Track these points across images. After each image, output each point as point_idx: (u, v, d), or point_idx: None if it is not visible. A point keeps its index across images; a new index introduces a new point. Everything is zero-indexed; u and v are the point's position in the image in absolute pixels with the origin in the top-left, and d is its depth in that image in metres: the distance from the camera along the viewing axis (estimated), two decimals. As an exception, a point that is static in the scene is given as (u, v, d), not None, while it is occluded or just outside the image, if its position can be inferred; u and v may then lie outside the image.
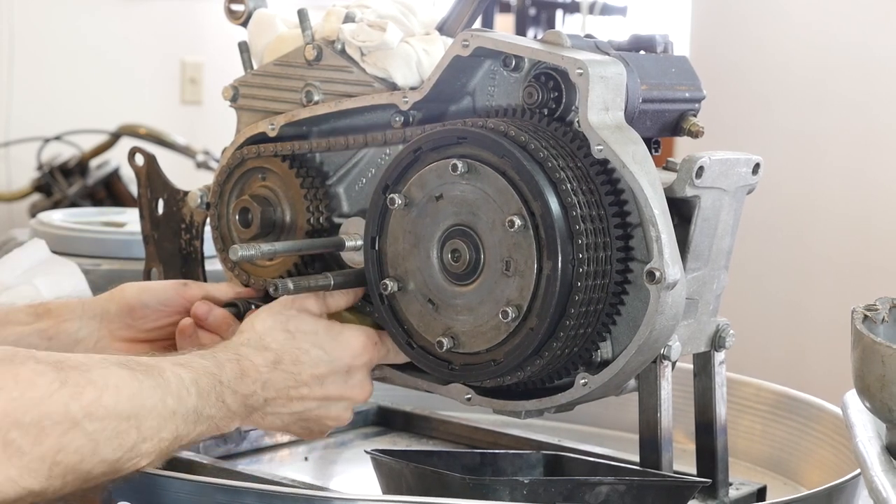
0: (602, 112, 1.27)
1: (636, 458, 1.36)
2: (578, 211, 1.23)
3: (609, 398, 1.39)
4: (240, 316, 1.43)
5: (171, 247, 1.61)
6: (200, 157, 4.18)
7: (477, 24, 1.46)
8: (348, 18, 1.44)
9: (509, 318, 1.25)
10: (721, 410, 1.41)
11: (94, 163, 4.26)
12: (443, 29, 1.46)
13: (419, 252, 1.32)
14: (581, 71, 1.26)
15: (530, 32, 4.61)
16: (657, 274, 1.23)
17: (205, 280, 1.58)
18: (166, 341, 1.44)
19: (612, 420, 1.75)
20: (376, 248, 1.35)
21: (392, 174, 1.33)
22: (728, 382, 1.42)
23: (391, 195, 1.32)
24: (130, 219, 2.53)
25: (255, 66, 1.53)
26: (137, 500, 1.23)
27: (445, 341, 1.30)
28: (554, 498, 1.24)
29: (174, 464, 1.33)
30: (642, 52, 1.37)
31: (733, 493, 1.40)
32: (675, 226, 1.26)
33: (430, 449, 1.59)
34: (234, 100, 1.53)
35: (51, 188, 4.21)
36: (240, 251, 1.36)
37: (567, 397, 1.31)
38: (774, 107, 3.58)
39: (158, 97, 4.97)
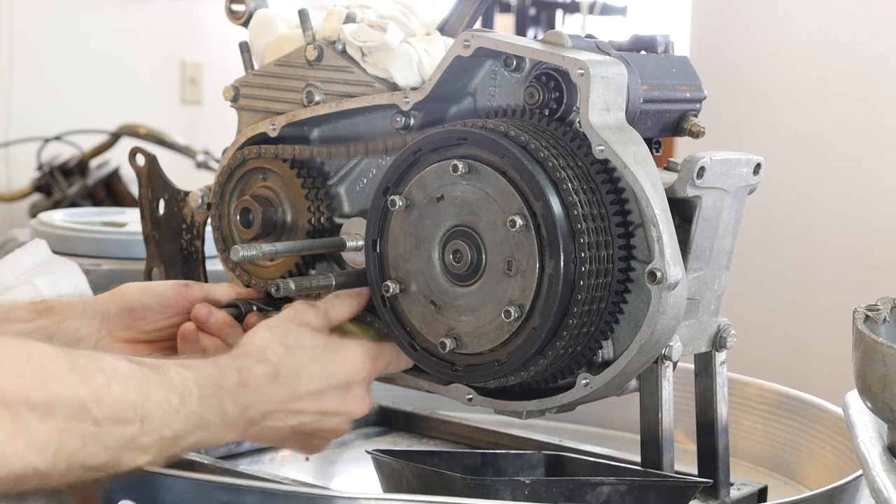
0: (603, 112, 1.27)
1: (637, 459, 1.36)
2: (580, 210, 1.23)
3: (610, 398, 1.39)
4: (241, 317, 1.43)
5: (172, 247, 1.61)
6: (200, 157, 4.19)
7: (477, 24, 1.46)
8: (349, 19, 1.44)
9: (512, 317, 1.25)
10: (722, 411, 1.41)
11: (94, 163, 4.26)
12: (444, 29, 1.46)
13: (421, 253, 1.32)
14: (582, 71, 1.26)
15: (530, 32, 4.61)
16: (658, 274, 1.23)
17: (206, 280, 1.58)
18: (166, 342, 1.44)
19: (614, 420, 1.75)
20: (377, 250, 1.35)
21: (392, 176, 1.33)
22: (729, 382, 1.42)
23: (392, 197, 1.32)
24: (131, 219, 2.53)
25: (256, 67, 1.53)
26: (139, 499, 1.23)
27: (448, 342, 1.30)
28: (555, 498, 1.24)
29: (175, 463, 1.33)
30: (643, 53, 1.37)
31: (734, 493, 1.40)
32: (676, 226, 1.26)
33: (432, 449, 1.59)
34: (234, 100, 1.53)
35: (51, 188, 4.21)
36: (241, 251, 1.36)
37: (568, 397, 1.31)
38: (775, 107, 3.58)
39: (158, 97, 4.98)
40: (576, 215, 1.23)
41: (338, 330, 1.36)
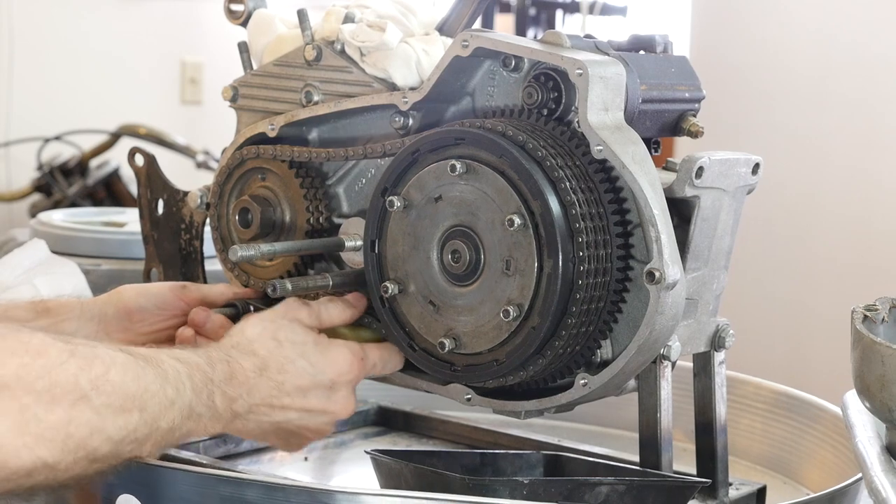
0: (602, 112, 1.27)
1: (636, 458, 1.36)
2: (578, 209, 1.23)
3: (609, 398, 1.39)
4: (238, 317, 1.43)
5: (171, 247, 1.61)
6: (200, 157, 4.18)
7: (477, 24, 1.46)
8: (348, 19, 1.44)
9: (511, 317, 1.25)
10: (721, 410, 1.41)
11: (94, 163, 4.26)
12: (442, 29, 1.46)
13: (419, 254, 1.32)
14: (580, 71, 1.26)
15: (530, 32, 4.61)
16: (657, 274, 1.23)
17: (205, 280, 1.58)
18: (164, 344, 1.44)
19: (612, 419, 1.75)
20: (376, 250, 1.35)
21: (390, 176, 1.33)
22: (727, 381, 1.42)
23: (390, 197, 1.32)
24: (130, 219, 2.53)
25: (255, 67, 1.53)
26: (140, 493, 1.23)
27: (447, 342, 1.30)
28: (554, 498, 1.24)
29: (174, 459, 1.33)
30: (642, 53, 1.37)
31: (733, 493, 1.40)
32: (674, 226, 1.26)
33: (430, 449, 1.59)
34: (233, 100, 1.53)
35: (51, 188, 4.21)
36: (239, 252, 1.36)
37: (567, 397, 1.31)
38: (775, 107, 3.58)
39: (158, 97, 4.97)
40: (574, 215, 1.23)
41: (328, 331, 1.36)
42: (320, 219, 1.47)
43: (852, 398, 1.20)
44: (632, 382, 1.35)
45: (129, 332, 1.44)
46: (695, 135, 1.37)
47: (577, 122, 1.28)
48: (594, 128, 1.25)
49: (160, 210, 1.61)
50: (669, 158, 1.36)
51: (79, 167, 4.22)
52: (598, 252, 1.24)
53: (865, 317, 1.17)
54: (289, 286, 1.35)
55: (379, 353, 1.36)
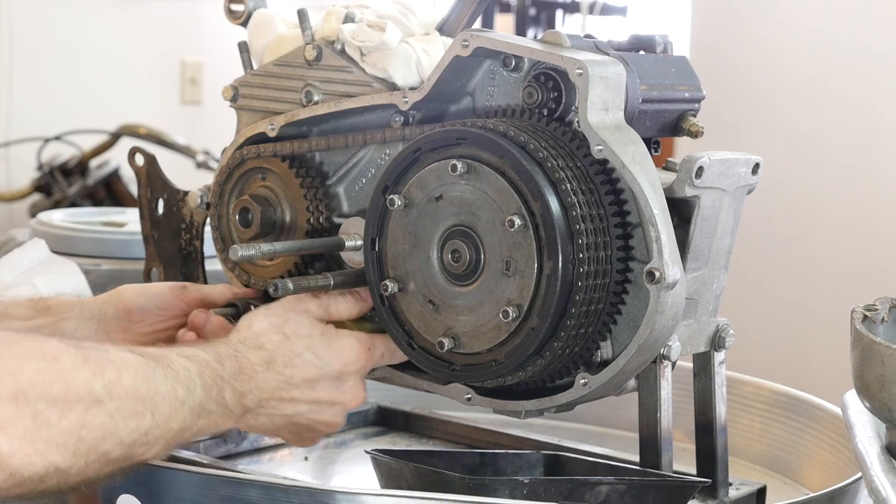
0: (602, 112, 1.27)
1: (636, 458, 1.36)
2: (578, 211, 1.23)
3: (609, 398, 1.39)
4: (238, 317, 1.43)
5: (172, 247, 1.61)
6: (200, 157, 4.18)
7: (477, 24, 1.46)
8: (348, 19, 1.44)
9: (510, 317, 1.25)
10: (721, 410, 1.41)
11: (94, 163, 4.26)
12: (442, 29, 1.46)
13: (419, 253, 1.32)
14: (581, 71, 1.26)
15: (530, 32, 4.61)
16: (657, 274, 1.23)
17: (205, 280, 1.58)
18: (165, 345, 1.44)
19: (612, 419, 1.75)
20: (376, 249, 1.35)
21: (391, 175, 1.33)
22: (727, 381, 1.42)
23: (391, 196, 1.32)
24: (130, 219, 2.53)
25: (255, 66, 1.53)
26: (141, 493, 1.23)
27: (446, 342, 1.30)
28: (554, 497, 1.24)
29: (174, 459, 1.33)
30: (642, 53, 1.37)
31: (733, 493, 1.40)
32: (674, 226, 1.26)
33: (430, 449, 1.59)
34: (233, 100, 1.53)
35: (51, 188, 4.21)
36: (240, 251, 1.36)
37: (567, 397, 1.31)
38: (775, 107, 3.58)
39: (158, 97, 4.97)
40: (574, 216, 1.23)
41: (333, 324, 1.36)
42: (320, 218, 1.47)
43: (852, 398, 1.20)
44: (632, 382, 1.35)
45: (129, 332, 1.44)
46: (695, 135, 1.37)
47: (578, 121, 1.28)
48: (594, 128, 1.25)
49: (160, 210, 1.61)
50: (669, 158, 1.36)
51: (79, 167, 4.22)
52: (598, 253, 1.24)
53: (865, 317, 1.17)
54: (290, 286, 1.35)
55: (386, 343, 1.36)
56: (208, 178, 1.69)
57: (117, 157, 4.15)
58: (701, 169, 1.29)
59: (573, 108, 1.29)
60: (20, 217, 4.30)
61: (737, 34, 3.70)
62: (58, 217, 2.55)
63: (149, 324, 1.45)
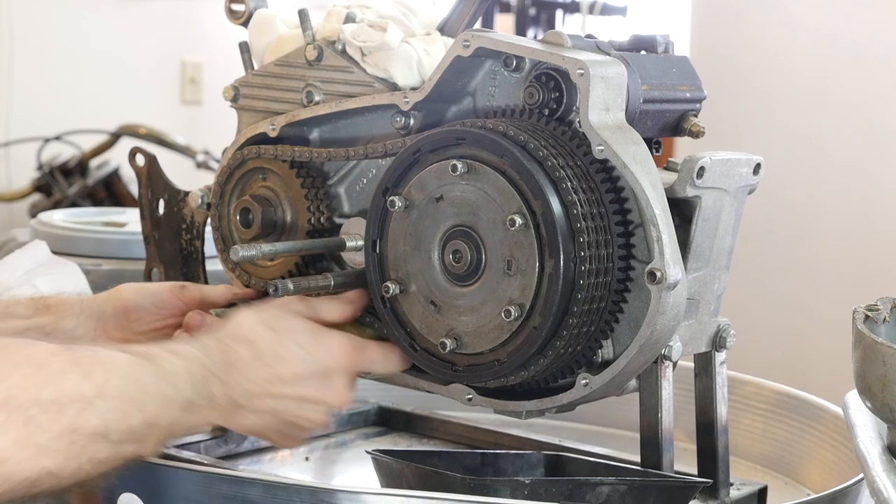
0: (603, 112, 1.27)
1: (637, 458, 1.36)
2: (579, 209, 1.23)
3: (610, 398, 1.39)
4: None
5: (172, 247, 1.61)
6: (200, 157, 4.18)
7: (477, 24, 1.46)
8: (349, 19, 1.44)
9: (512, 317, 1.25)
10: (722, 410, 1.41)
11: (94, 163, 4.26)
12: (444, 29, 1.46)
13: (420, 254, 1.32)
14: (582, 71, 1.26)
15: (530, 32, 4.61)
16: (658, 274, 1.23)
17: (205, 280, 1.58)
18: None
19: (613, 419, 1.75)
20: (377, 250, 1.35)
21: (392, 176, 1.33)
22: (729, 381, 1.42)
23: (391, 198, 1.32)
24: (130, 219, 2.53)
25: (256, 67, 1.53)
26: (142, 491, 1.23)
27: (448, 342, 1.30)
28: (555, 498, 1.24)
29: (176, 459, 1.33)
30: (643, 53, 1.37)
31: (734, 493, 1.40)
32: (676, 226, 1.26)
33: (431, 449, 1.59)
34: (234, 100, 1.53)
35: (51, 188, 4.21)
36: (240, 252, 1.36)
37: (568, 397, 1.31)
38: (775, 107, 3.58)
39: (158, 97, 4.97)
40: (575, 214, 1.23)
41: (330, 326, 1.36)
42: (321, 219, 1.47)
43: (853, 398, 1.20)
44: (633, 382, 1.35)
45: (127, 330, 1.44)
46: (696, 135, 1.37)
47: (579, 122, 1.27)
48: (595, 128, 1.25)
49: (161, 210, 1.61)
50: (670, 158, 1.36)
51: (79, 167, 4.21)
52: (599, 252, 1.24)
53: (867, 317, 1.17)
54: (290, 286, 1.35)
55: (379, 350, 1.35)
56: (209, 179, 1.69)
57: (117, 157, 4.15)
58: (702, 169, 1.29)
59: (574, 108, 1.29)
60: (20, 217, 4.30)
61: (737, 34, 3.70)
62: (58, 217, 2.55)
63: (146, 323, 1.45)
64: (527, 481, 1.25)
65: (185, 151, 4.21)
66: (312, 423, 1.31)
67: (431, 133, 1.31)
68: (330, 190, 1.49)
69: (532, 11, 4.71)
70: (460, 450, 1.52)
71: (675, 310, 1.26)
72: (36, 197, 4.30)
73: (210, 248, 1.57)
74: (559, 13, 4.75)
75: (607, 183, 1.26)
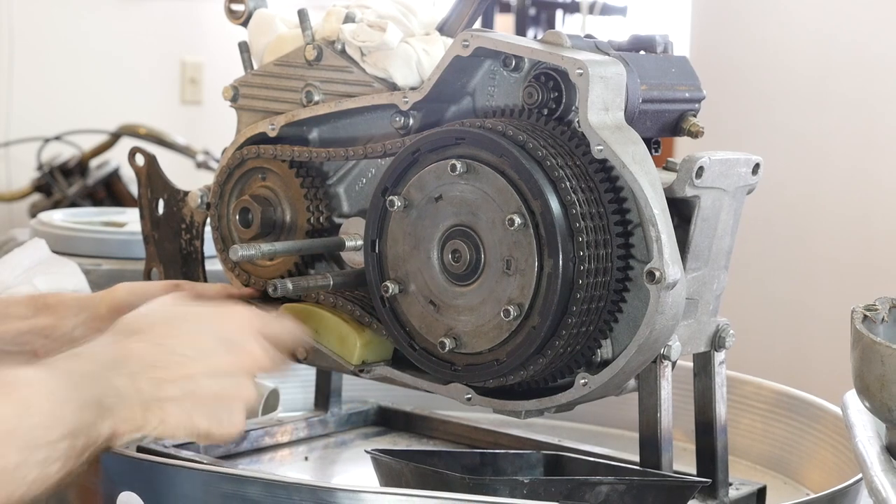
0: (602, 112, 1.27)
1: (636, 458, 1.36)
2: (578, 209, 1.23)
3: (609, 397, 1.39)
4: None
5: (172, 247, 1.61)
6: (200, 157, 4.18)
7: (477, 24, 1.46)
8: (348, 19, 1.44)
9: (511, 316, 1.26)
10: (721, 410, 1.41)
11: (94, 163, 4.26)
12: (443, 29, 1.46)
13: (419, 253, 1.32)
14: (581, 71, 1.26)
15: (530, 32, 4.61)
16: (657, 274, 1.23)
17: (205, 280, 1.58)
18: None
19: (612, 419, 1.75)
20: (376, 250, 1.35)
21: (391, 176, 1.33)
22: (728, 381, 1.42)
23: (390, 197, 1.32)
24: (130, 219, 2.53)
25: (256, 66, 1.53)
26: (142, 490, 1.23)
27: (448, 342, 1.30)
28: (554, 497, 1.24)
29: (176, 457, 1.33)
30: (642, 53, 1.37)
31: (733, 493, 1.40)
32: (674, 226, 1.26)
33: (431, 449, 1.59)
34: (234, 100, 1.53)
35: (51, 188, 4.21)
36: (240, 251, 1.36)
37: (567, 397, 1.31)
38: (775, 107, 3.58)
39: (158, 97, 4.97)
40: (574, 214, 1.23)
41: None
42: (321, 218, 1.47)
43: (852, 398, 1.20)
44: (632, 382, 1.35)
45: None
46: (695, 135, 1.37)
47: (578, 121, 1.28)
48: (594, 127, 1.25)
49: (161, 210, 1.61)
50: (669, 158, 1.37)
51: (79, 167, 4.21)
52: (598, 252, 1.24)
53: (865, 317, 1.17)
54: (289, 286, 1.35)
55: (282, 321, 1.32)
56: (208, 178, 1.69)
57: (117, 157, 4.15)
58: (701, 169, 1.29)
59: (573, 107, 1.29)
60: (20, 217, 4.30)
61: (737, 34, 3.70)
62: (58, 217, 2.55)
63: None
64: (526, 481, 1.25)
65: (185, 151, 4.22)
66: (239, 396, 1.20)
67: (430, 133, 1.31)
68: (329, 190, 1.49)
69: (532, 11, 4.71)
70: (460, 449, 1.52)
71: (673, 309, 1.26)
72: (36, 197, 4.30)
73: (210, 247, 1.57)
74: (559, 13, 4.75)
75: (606, 183, 1.26)
